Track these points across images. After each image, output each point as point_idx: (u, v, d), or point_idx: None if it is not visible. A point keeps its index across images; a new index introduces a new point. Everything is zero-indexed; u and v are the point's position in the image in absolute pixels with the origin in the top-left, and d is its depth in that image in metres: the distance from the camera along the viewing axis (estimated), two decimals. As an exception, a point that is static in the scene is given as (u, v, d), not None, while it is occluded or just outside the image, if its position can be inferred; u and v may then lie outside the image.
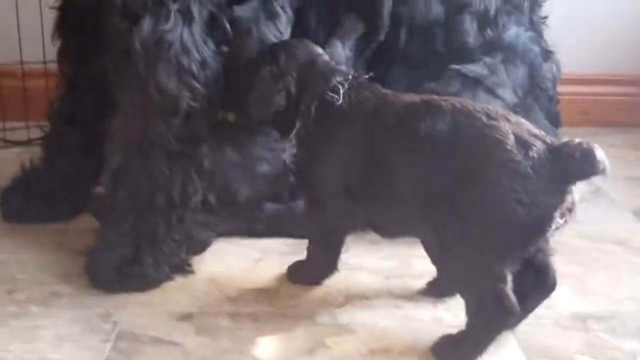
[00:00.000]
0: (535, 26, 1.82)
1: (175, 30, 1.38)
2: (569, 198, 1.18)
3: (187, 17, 1.39)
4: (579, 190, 1.70)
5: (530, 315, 1.29)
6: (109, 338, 1.28)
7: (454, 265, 1.22)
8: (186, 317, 1.34)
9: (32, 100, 2.22)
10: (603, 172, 1.16)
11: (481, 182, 1.17)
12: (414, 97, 1.31)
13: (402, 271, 1.50)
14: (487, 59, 1.67)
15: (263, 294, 1.41)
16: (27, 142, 2.21)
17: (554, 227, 1.18)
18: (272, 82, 1.36)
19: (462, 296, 1.23)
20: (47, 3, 1.72)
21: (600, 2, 2.41)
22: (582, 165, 1.15)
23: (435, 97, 1.29)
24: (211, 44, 1.43)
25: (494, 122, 1.19)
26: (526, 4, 1.78)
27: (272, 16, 1.49)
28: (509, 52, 1.68)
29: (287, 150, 1.44)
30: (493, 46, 1.70)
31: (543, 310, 1.34)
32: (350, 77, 1.36)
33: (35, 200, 1.70)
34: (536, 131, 1.21)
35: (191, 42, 1.40)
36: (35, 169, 1.75)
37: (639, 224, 1.75)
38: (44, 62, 2.18)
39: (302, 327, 1.32)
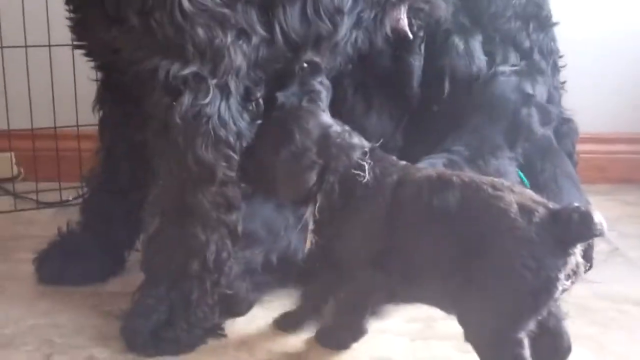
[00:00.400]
0: (554, 91, 1.91)
1: (213, 104, 1.45)
2: (572, 259, 1.23)
3: (225, 92, 1.47)
4: (595, 249, 1.77)
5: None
6: (146, 401, 1.33)
7: (473, 332, 1.27)
8: (219, 380, 1.39)
9: (64, 162, 2.31)
10: (601, 234, 1.21)
11: (490, 250, 1.23)
12: (431, 171, 1.38)
13: (427, 333, 1.54)
14: (477, 124, 1.73)
15: (293, 358, 1.45)
16: (60, 204, 2.29)
17: (560, 288, 1.23)
18: (296, 161, 1.40)
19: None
20: (87, 74, 1.81)
21: (618, 64, 2.48)
22: (581, 227, 1.20)
23: (448, 171, 1.39)
24: (246, 116, 1.50)
25: (499, 193, 1.27)
26: (549, 70, 1.86)
27: (313, 97, 1.56)
28: (491, 110, 1.74)
29: (309, 224, 1.45)
30: (476, 101, 1.77)
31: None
32: (367, 150, 1.41)
33: (71, 264, 1.76)
34: (538, 198, 1.27)
35: (228, 115, 1.47)
36: (71, 232, 1.82)
37: (657, 283, 1.78)
38: (77, 126, 2.27)
39: (331, 390, 1.37)
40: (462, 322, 1.28)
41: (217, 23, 1.43)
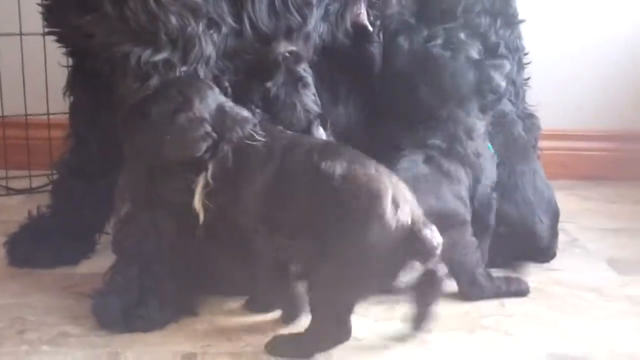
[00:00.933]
0: (518, 87, 1.96)
1: None
2: (433, 242, 1.36)
3: None
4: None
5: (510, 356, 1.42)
6: (118, 376, 1.36)
7: (318, 295, 1.38)
8: (190, 356, 1.42)
9: (34, 150, 2.33)
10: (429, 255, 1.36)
11: (353, 226, 1.33)
12: (319, 139, 1.49)
13: (390, 314, 1.59)
14: (449, 112, 1.75)
15: (261, 334, 1.48)
16: (29, 190, 2.30)
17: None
18: (192, 127, 1.44)
19: (315, 315, 1.39)
20: (58, 61, 1.84)
21: (579, 62, 2.55)
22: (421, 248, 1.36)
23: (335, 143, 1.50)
24: None
25: (382, 177, 1.38)
26: (515, 68, 1.92)
27: (304, 84, 1.63)
28: (459, 95, 1.74)
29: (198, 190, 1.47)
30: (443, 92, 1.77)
31: (522, 350, 1.47)
32: (257, 123, 1.48)
33: (42, 247, 1.78)
34: (412, 201, 1.39)
35: None
36: (42, 216, 1.84)
37: (612, 272, 1.85)
38: (48, 114, 2.29)
39: (300, 366, 1.41)
40: (312, 285, 1.39)
41: (189, 12, 1.48)
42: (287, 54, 1.63)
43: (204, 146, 1.43)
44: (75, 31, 1.53)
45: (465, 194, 1.65)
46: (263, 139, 1.45)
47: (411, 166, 1.65)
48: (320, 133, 1.63)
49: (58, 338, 1.47)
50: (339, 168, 1.37)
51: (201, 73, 1.52)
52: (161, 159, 1.46)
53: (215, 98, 1.48)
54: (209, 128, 1.44)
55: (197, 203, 1.46)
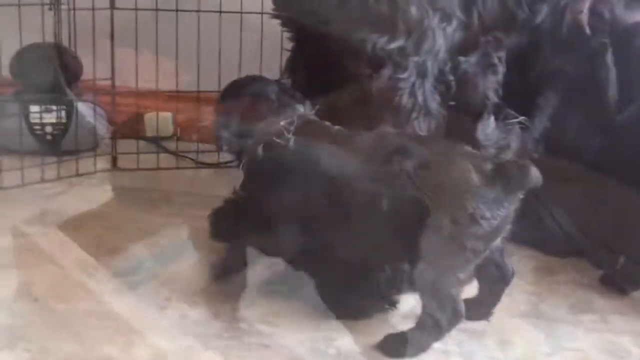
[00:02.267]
0: None
1: (409, 80, 1.53)
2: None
3: (422, 71, 1.55)
4: None
5: None
6: (336, 363, 1.40)
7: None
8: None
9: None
10: (537, 183, 1.32)
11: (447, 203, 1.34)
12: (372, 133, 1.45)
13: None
14: None
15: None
16: (217, 165, 2.39)
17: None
18: (220, 122, 1.54)
19: (424, 298, 1.38)
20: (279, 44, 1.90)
21: None
22: (521, 179, 1.31)
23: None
24: (437, 97, 1.57)
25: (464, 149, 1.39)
26: None
27: (494, 70, 1.62)
28: None
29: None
30: None
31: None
32: (295, 118, 1.48)
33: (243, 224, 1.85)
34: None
35: (421, 93, 1.54)
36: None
37: None
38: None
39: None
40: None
41: (428, 3, 1.50)
42: (490, 38, 1.64)
43: (228, 140, 1.54)
44: (308, 16, 1.58)
45: None
46: (294, 136, 1.45)
47: None
48: (490, 121, 1.63)
49: (272, 318, 1.52)
50: (440, 160, 1.37)
51: (429, 65, 1.55)
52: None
53: (254, 91, 1.53)
54: (233, 124, 1.52)
55: None
